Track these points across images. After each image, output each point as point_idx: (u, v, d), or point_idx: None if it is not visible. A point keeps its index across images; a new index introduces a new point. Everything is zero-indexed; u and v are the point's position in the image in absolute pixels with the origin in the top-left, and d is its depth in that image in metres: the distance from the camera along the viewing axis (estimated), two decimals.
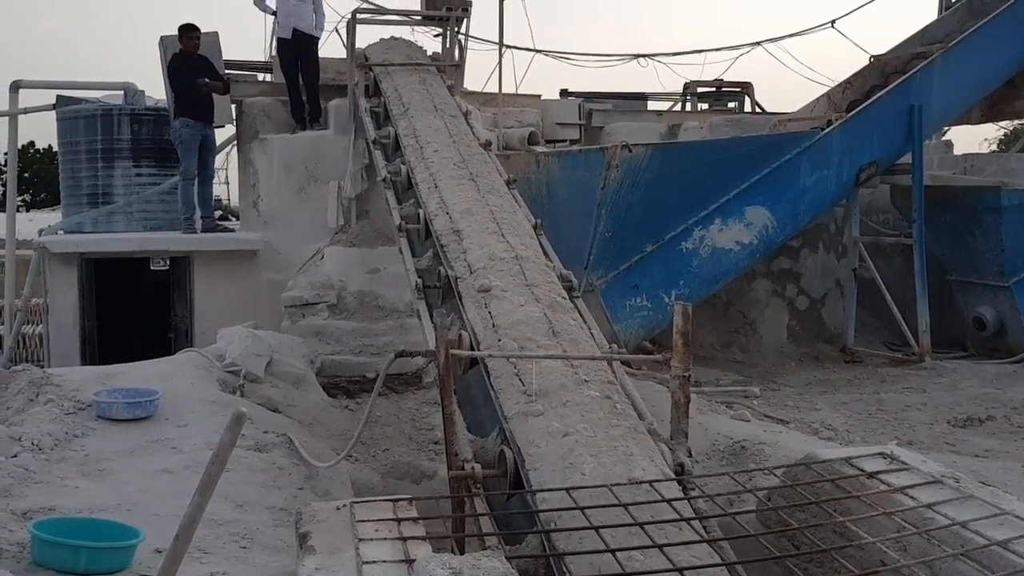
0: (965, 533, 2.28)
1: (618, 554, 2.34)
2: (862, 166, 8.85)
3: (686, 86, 11.96)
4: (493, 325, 3.82)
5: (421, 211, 5.05)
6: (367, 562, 2.22)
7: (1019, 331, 9.23)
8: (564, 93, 11.49)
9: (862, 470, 2.81)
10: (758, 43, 11.33)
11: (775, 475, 3.21)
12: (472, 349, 3.49)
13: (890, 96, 8.90)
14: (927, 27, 10.54)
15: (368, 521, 2.48)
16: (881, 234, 9.67)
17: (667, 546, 2.38)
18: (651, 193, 7.47)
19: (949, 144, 13.05)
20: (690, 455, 3.11)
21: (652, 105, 12.13)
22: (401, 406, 6.97)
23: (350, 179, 8.00)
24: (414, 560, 2.21)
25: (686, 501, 2.75)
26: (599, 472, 2.81)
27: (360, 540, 2.36)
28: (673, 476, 2.92)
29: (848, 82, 10.33)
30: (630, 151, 7.26)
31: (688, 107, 12.26)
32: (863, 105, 8.94)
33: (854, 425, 6.03)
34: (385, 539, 2.38)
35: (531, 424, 3.13)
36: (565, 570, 2.38)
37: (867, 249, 9.31)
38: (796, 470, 3.14)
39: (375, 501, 2.64)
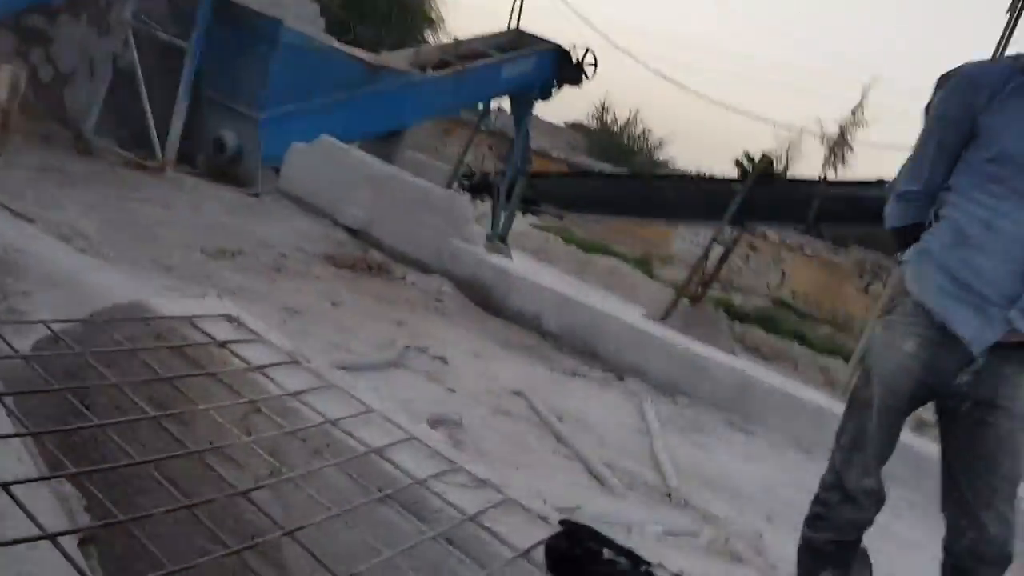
0: (336, 433, 2.13)
1: None
2: None
3: None
4: None
5: None
6: None
7: (253, 163, 9.61)
8: None
9: (211, 337, 2.42)
10: None
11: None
12: None
13: None
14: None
15: None
16: (155, 28, 8.87)
17: None
18: None
19: None
20: None
21: None
22: None
23: None
24: None
25: None
26: None
27: None
28: None
29: None
30: None
31: None
32: None
33: (107, 236, 5.39)
34: None
35: None
36: None
37: (136, 38, 8.47)
38: (114, 316, 2.57)
39: None
